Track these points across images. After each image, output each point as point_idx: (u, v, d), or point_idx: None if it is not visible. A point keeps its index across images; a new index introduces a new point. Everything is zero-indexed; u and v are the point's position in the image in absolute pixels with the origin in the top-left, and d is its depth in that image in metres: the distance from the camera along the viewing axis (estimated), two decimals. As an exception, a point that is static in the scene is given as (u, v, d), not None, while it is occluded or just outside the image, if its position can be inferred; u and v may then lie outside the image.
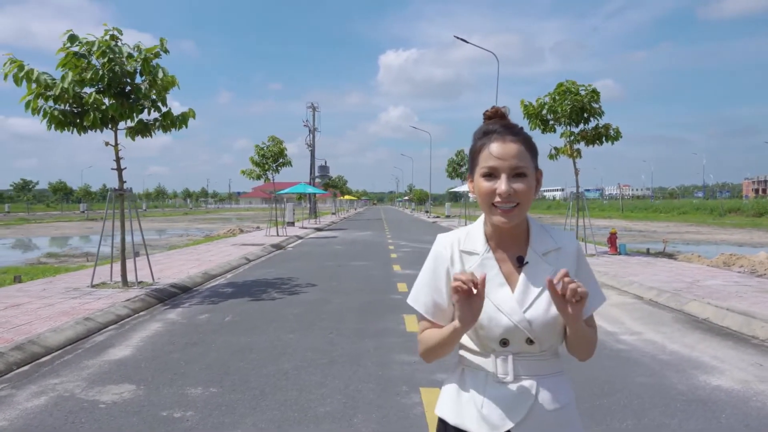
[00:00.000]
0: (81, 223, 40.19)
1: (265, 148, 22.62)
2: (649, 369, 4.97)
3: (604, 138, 13.41)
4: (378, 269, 12.32)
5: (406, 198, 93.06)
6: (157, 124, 9.36)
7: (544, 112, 13.63)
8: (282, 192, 32.48)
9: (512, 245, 1.47)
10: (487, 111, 1.50)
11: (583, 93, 13.13)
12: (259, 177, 23.12)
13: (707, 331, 6.45)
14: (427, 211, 57.64)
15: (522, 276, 1.44)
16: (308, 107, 47.33)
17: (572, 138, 13.53)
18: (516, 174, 1.38)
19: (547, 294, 1.41)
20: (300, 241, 21.89)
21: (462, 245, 1.49)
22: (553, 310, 1.40)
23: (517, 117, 14.60)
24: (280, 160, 22.92)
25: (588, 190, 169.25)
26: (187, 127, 9.62)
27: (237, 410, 4.00)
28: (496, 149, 1.39)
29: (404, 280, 10.30)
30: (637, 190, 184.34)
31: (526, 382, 1.42)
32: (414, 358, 5.20)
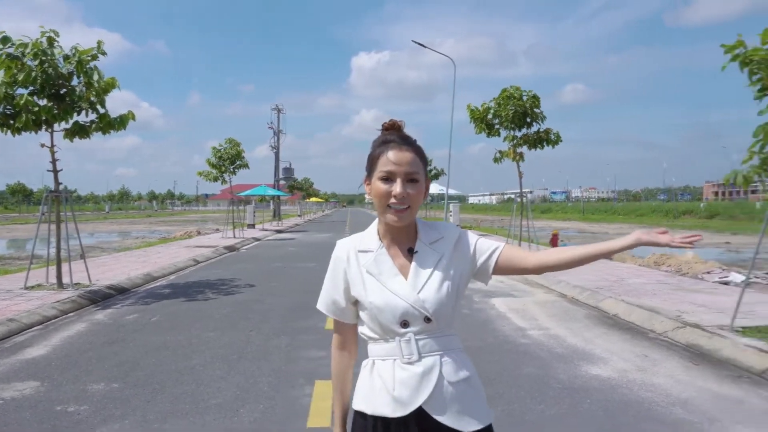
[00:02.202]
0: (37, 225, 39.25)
1: (221, 150, 22.60)
2: (541, 361, 5.28)
3: (545, 142, 13.89)
4: (323, 271, 12.23)
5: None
6: (94, 126, 9.39)
7: (490, 116, 14.03)
8: (241, 194, 32.38)
9: (404, 242, 1.66)
10: (385, 123, 1.72)
11: (525, 99, 13.57)
12: (216, 179, 23.08)
13: (612, 326, 6.82)
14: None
15: (413, 264, 1.62)
16: (273, 109, 47.16)
17: (515, 142, 13.95)
18: (410, 179, 1.58)
19: (437, 275, 1.61)
20: (256, 243, 21.91)
21: (359, 246, 1.68)
22: (444, 288, 1.59)
23: (464, 120, 14.98)
24: (237, 162, 22.92)
25: (554, 193, 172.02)
26: (125, 128, 9.65)
27: (131, 403, 4.15)
28: (393, 156, 1.58)
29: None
30: (602, 192, 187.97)
31: (430, 359, 1.58)
32: (322, 353, 5.41)
